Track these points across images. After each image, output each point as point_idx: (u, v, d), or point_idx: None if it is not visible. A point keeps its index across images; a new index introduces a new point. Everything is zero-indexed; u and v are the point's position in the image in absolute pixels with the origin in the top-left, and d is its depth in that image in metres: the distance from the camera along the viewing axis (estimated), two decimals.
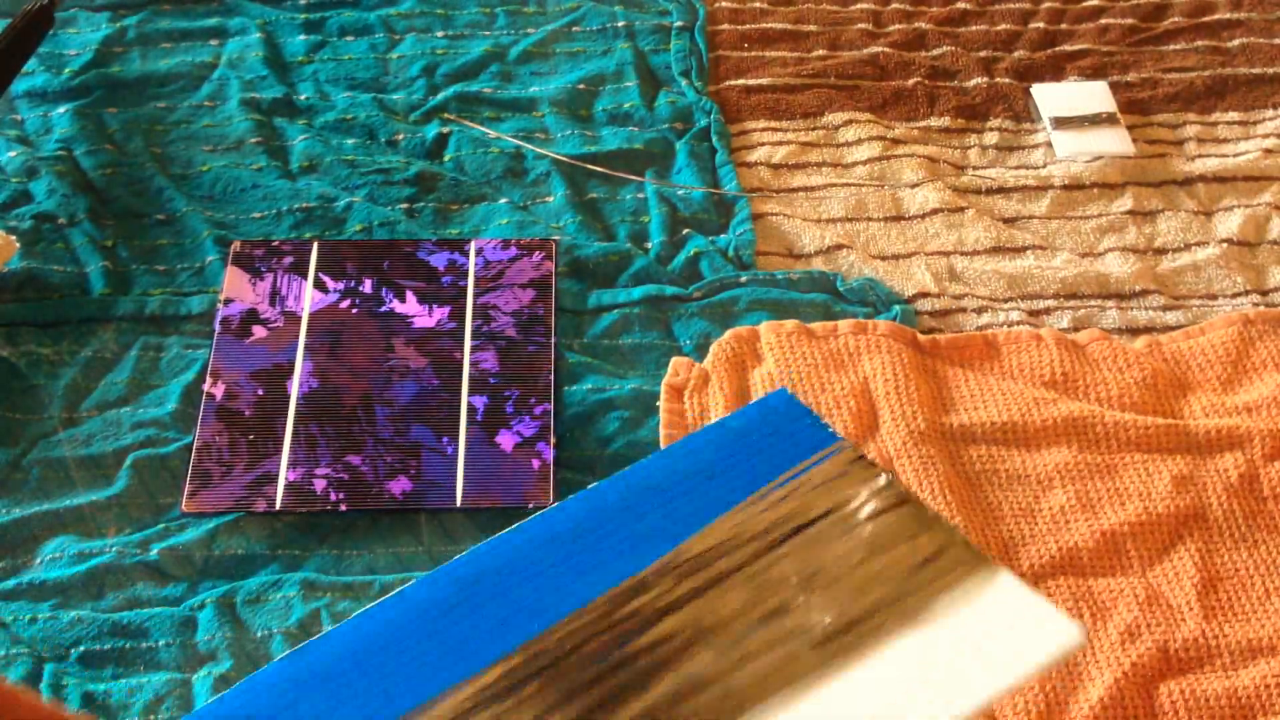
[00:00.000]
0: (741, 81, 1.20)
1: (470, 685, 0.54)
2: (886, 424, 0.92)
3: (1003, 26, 1.26)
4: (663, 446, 0.89)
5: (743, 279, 1.03)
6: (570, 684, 0.53)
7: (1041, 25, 1.25)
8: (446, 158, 1.13)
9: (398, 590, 0.58)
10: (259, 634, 0.83)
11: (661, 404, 0.94)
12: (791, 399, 0.64)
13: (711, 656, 0.53)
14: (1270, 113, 1.19)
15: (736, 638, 0.54)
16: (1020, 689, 0.70)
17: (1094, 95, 1.18)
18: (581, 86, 1.19)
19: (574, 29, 1.24)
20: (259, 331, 0.98)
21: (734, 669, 0.53)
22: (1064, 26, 1.26)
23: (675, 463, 0.62)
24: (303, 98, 1.17)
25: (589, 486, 0.62)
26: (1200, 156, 1.15)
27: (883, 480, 0.59)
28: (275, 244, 1.04)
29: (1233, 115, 1.18)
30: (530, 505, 0.89)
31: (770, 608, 0.55)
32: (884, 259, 1.06)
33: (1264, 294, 1.04)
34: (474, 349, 0.98)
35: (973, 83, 1.20)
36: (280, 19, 1.24)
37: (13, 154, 1.11)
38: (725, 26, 1.25)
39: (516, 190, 1.11)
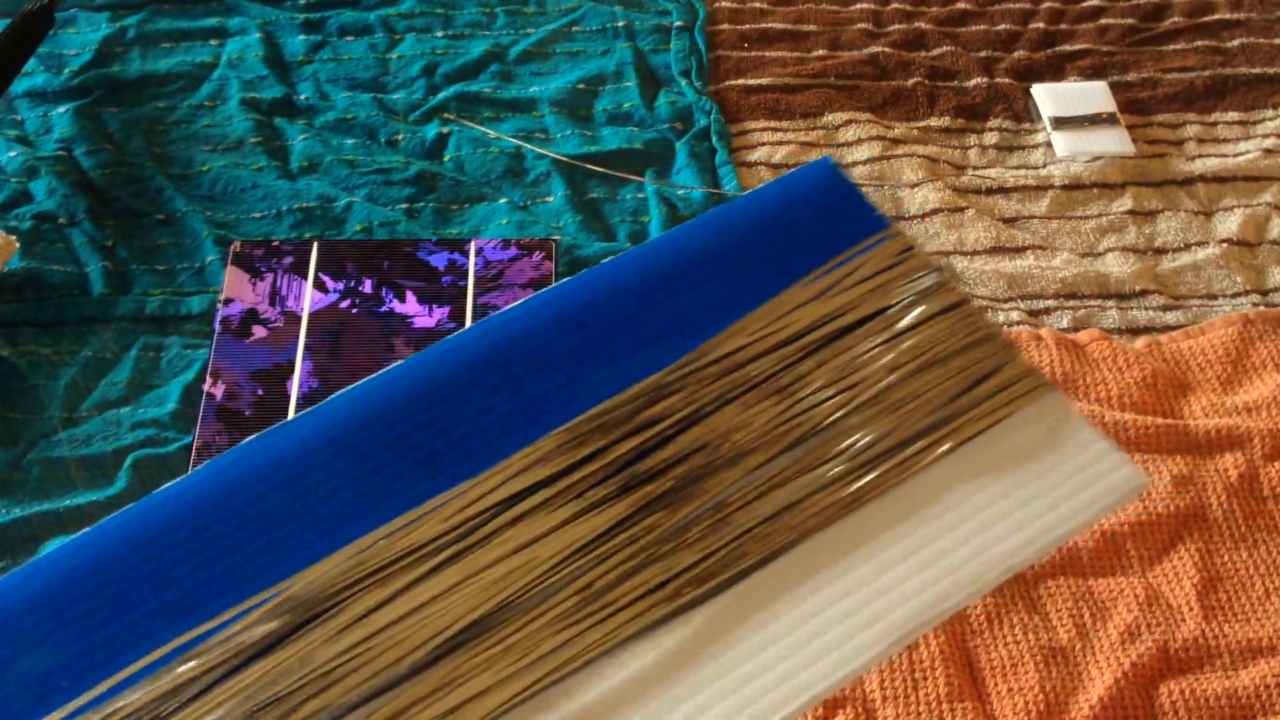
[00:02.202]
0: (741, 81, 1.20)
1: (457, 498, 0.46)
2: None
3: (1003, 26, 1.26)
4: None
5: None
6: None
7: (1041, 25, 1.25)
8: (446, 158, 1.13)
9: (397, 365, 0.51)
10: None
11: None
12: (835, 171, 0.55)
13: (737, 478, 0.46)
14: (1270, 113, 1.19)
15: (765, 458, 0.47)
16: (1073, 537, 0.62)
17: (1094, 95, 1.18)
18: (581, 86, 1.19)
19: (574, 29, 1.24)
20: (259, 331, 0.98)
21: (761, 496, 0.46)
22: (1064, 26, 1.26)
23: (700, 242, 0.52)
24: (303, 98, 1.17)
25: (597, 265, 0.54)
26: (1200, 156, 1.15)
27: (935, 278, 0.51)
28: (275, 244, 1.04)
29: (1233, 115, 1.18)
30: None
31: (804, 424, 0.48)
32: None
33: (1264, 294, 1.04)
34: None
35: (973, 83, 1.20)
36: (280, 19, 1.24)
37: (13, 154, 1.11)
38: (725, 26, 1.25)
39: (516, 190, 1.11)
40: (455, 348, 0.51)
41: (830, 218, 0.53)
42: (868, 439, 0.47)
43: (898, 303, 0.50)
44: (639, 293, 0.51)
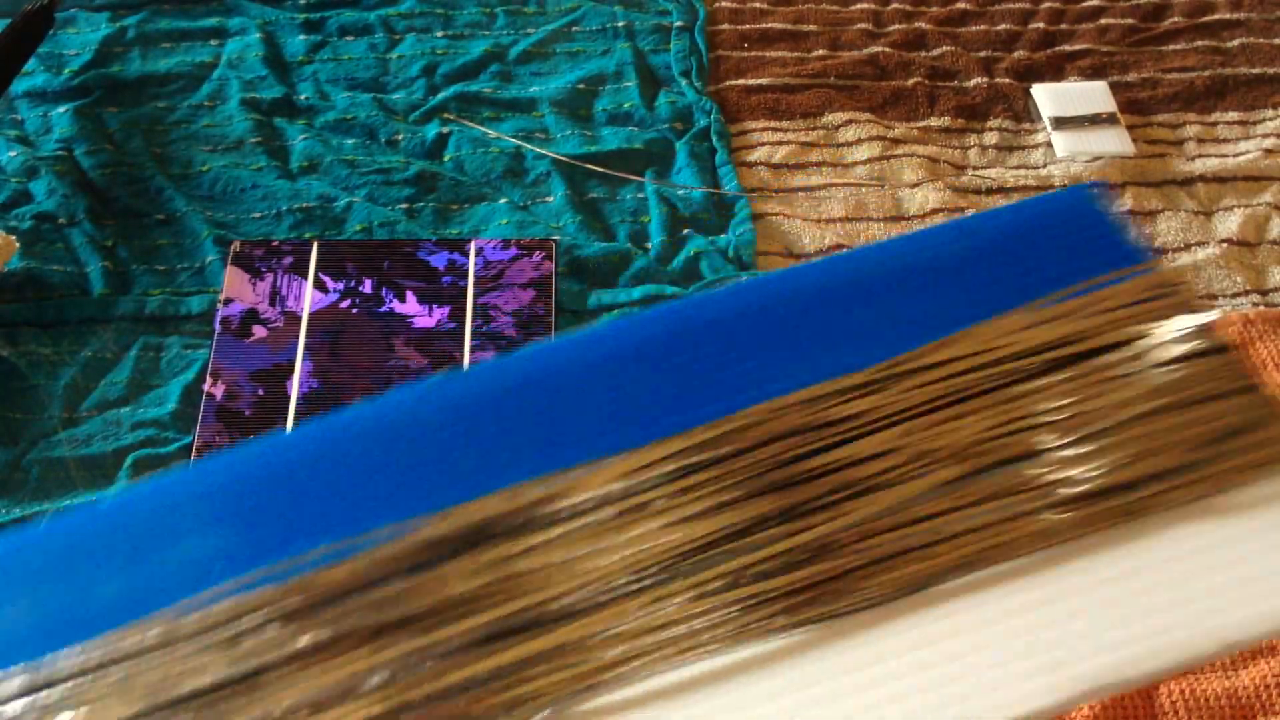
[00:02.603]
0: (741, 81, 1.20)
1: (617, 464, 0.43)
2: None
3: (1003, 26, 1.26)
4: None
5: (743, 279, 1.03)
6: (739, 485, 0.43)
7: (1041, 25, 1.25)
8: (446, 158, 1.13)
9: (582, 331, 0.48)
10: None
11: None
12: (1091, 196, 0.49)
13: (925, 491, 0.42)
14: (1270, 113, 1.19)
15: (963, 475, 0.43)
16: None
17: (1094, 95, 1.18)
18: (581, 86, 1.19)
19: (574, 29, 1.24)
20: (259, 331, 0.98)
21: (951, 513, 0.42)
22: (1064, 26, 1.26)
23: (925, 251, 0.48)
24: (303, 98, 1.17)
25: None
26: (1200, 156, 1.15)
27: (1199, 319, 0.45)
28: (275, 244, 1.04)
29: (1233, 115, 1.18)
30: None
31: (1015, 447, 0.43)
32: None
33: (1264, 294, 1.04)
34: (474, 349, 0.98)
35: (973, 83, 1.20)
36: (280, 19, 1.24)
37: (13, 154, 1.11)
38: (725, 26, 1.25)
39: (516, 190, 1.11)
40: (663, 316, 0.47)
41: (1081, 242, 0.48)
42: (1087, 473, 0.43)
43: (1147, 337, 0.45)
44: (861, 287, 0.46)
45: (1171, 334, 0.45)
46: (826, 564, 0.41)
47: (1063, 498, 0.41)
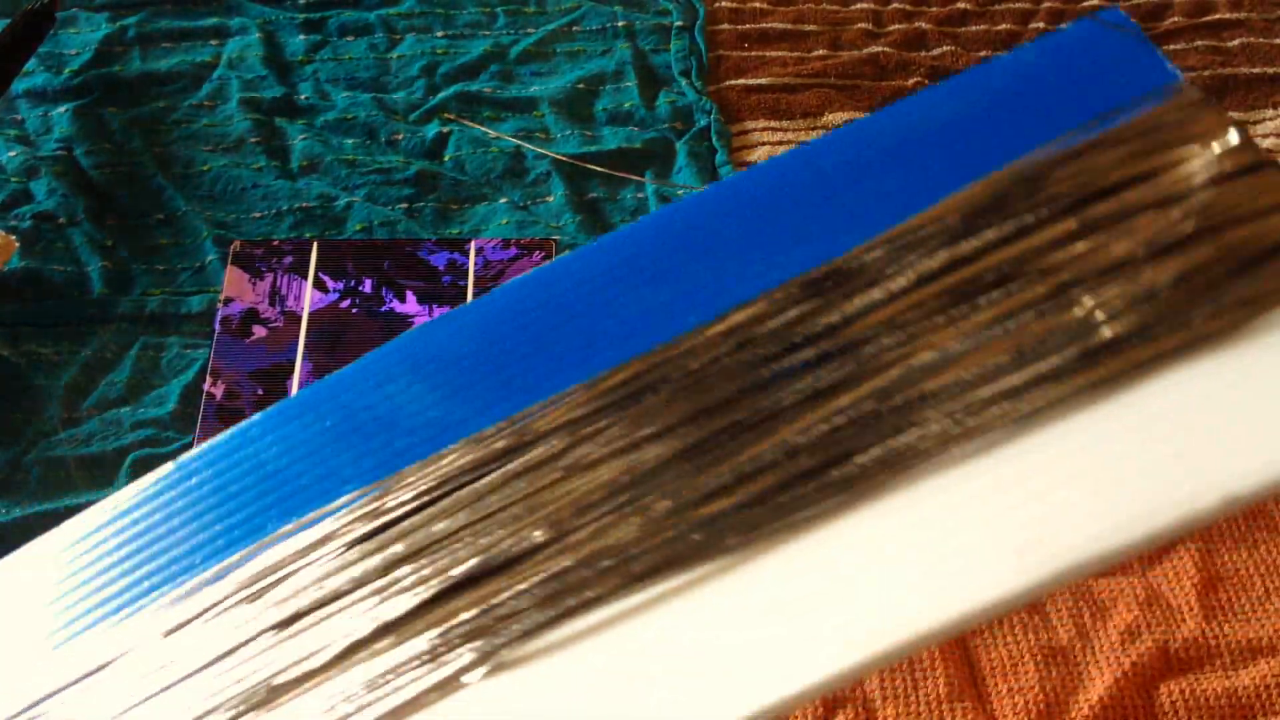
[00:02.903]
0: (741, 81, 1.20)
1: (584, 391, 0.41)
2: None
3: (1003, 26, 1.26)
4: None
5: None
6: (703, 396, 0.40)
7: (1041, 25, 1.25)
8: (446, 158, 1.13)
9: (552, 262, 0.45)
10: None
11: None
12: (1101, 26, 0.44)
13: (936, 360, 0.38)
14: (1270, 113, 1.19)
15: (976, 340, 0.38)
16: None
17: None
18: (581, 86, 1.19)
19: (574, 29, 1.24)
20: (259, 331, 0.98)
21: (965, 380, 0.37)
22: (1064, 27, 1.26)
23: (933, 106, 0.42)
24: (303, 98, 1.17)
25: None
26: None
27: (1234, 137, 0.39)
28: (275, 244, 1.04)
29: (1233, 115, 1.18)
30: None
31: (1032, 296, 0.38)
32: None
33: None
34: None
35: None
36: (280, 19, 1.24)
37: (13, 154, 1.11)
38: (725, 26, 1.25)
39: (516, 190, 1.11)
40: (669, 215, 0.45)
41: (1098, 65, 0.42)
42: (1103, 316, 0.37)
43: (1177, 162, 0.39)
44: (861, 159, 0.42)
45: (1204, 157, 0.39)
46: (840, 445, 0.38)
47: (1085, 347, 0.37)
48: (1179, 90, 0.41)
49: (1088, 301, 0.37)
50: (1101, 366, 0.36)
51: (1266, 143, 1.15)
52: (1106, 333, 0.36)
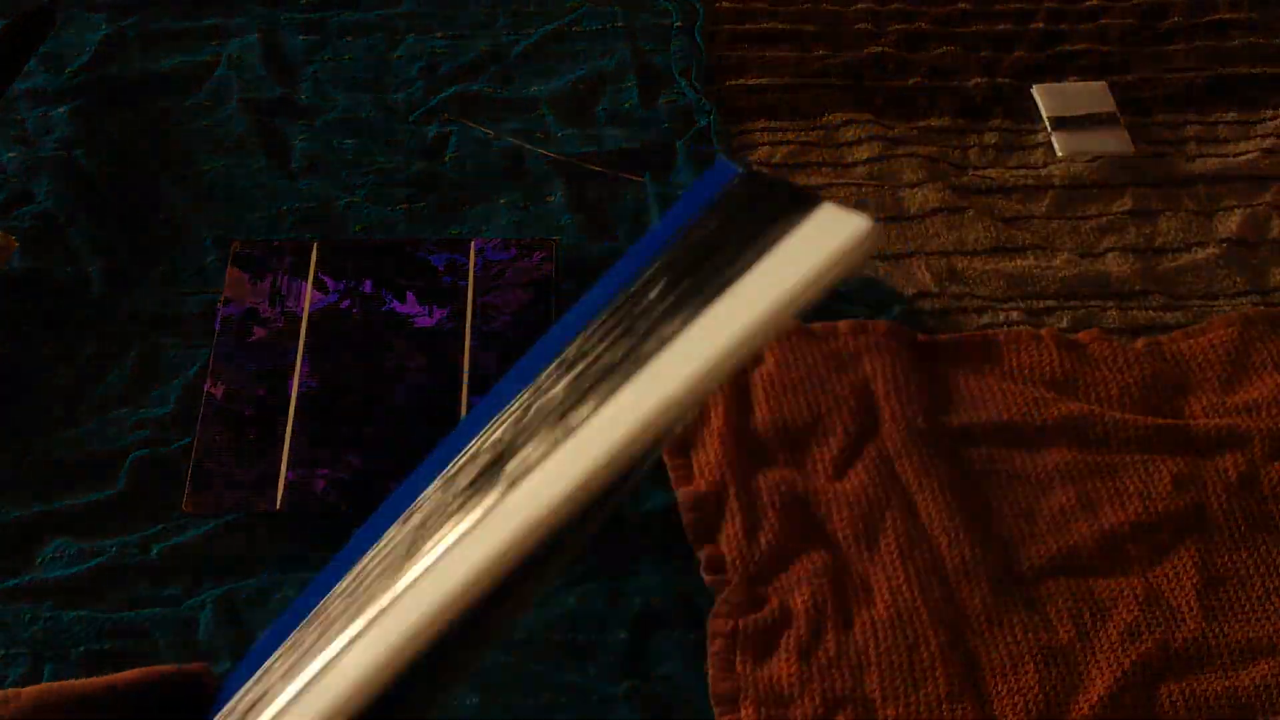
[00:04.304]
0: (741, 81, 1.20)
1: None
2: (886, 424, 0.92)
3: (1003, 26, 1.26)
4: None
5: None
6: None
7: (1041, 25, 1.25)
8: (446, 158, 1.13)
9: None
10: (259, 634, 0.83)
11: None
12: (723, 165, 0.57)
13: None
14: (1270, 113, 1.19)
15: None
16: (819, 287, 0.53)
17: (1094, 95, 1.18)
18: (581, 86, 1.19)
19: (574, 29, 1.24)
20: (259, 331, 0.98)
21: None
22: (1064, 26, 1.26)
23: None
24: (303, 98, 1.17)
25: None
26: (1200, 156, 1.15)
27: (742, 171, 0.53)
28: (275, 244, 1.04)
29: (1233, 115, 1.18)
30: None
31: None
32: (884, 259, 1.06)
33: (1264, 294, 1.04)
34: (474, 349, 0.97)
35: (973, 83, 1.20)
36: (280, 19, 1.24)
37: (13, 154, 1.11)
38: (725, 26, 1.25)
39: (516, 190, 1.11)
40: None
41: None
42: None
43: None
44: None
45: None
46: None
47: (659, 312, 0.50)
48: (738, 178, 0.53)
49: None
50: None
51: (1267, 143, 1.15)
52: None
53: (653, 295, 0.50)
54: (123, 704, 0.43)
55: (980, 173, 1.13)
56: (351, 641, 0.44)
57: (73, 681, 0.41)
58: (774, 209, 0.48)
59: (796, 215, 0.46)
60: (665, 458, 0.91)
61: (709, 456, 0.90)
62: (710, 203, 0.52)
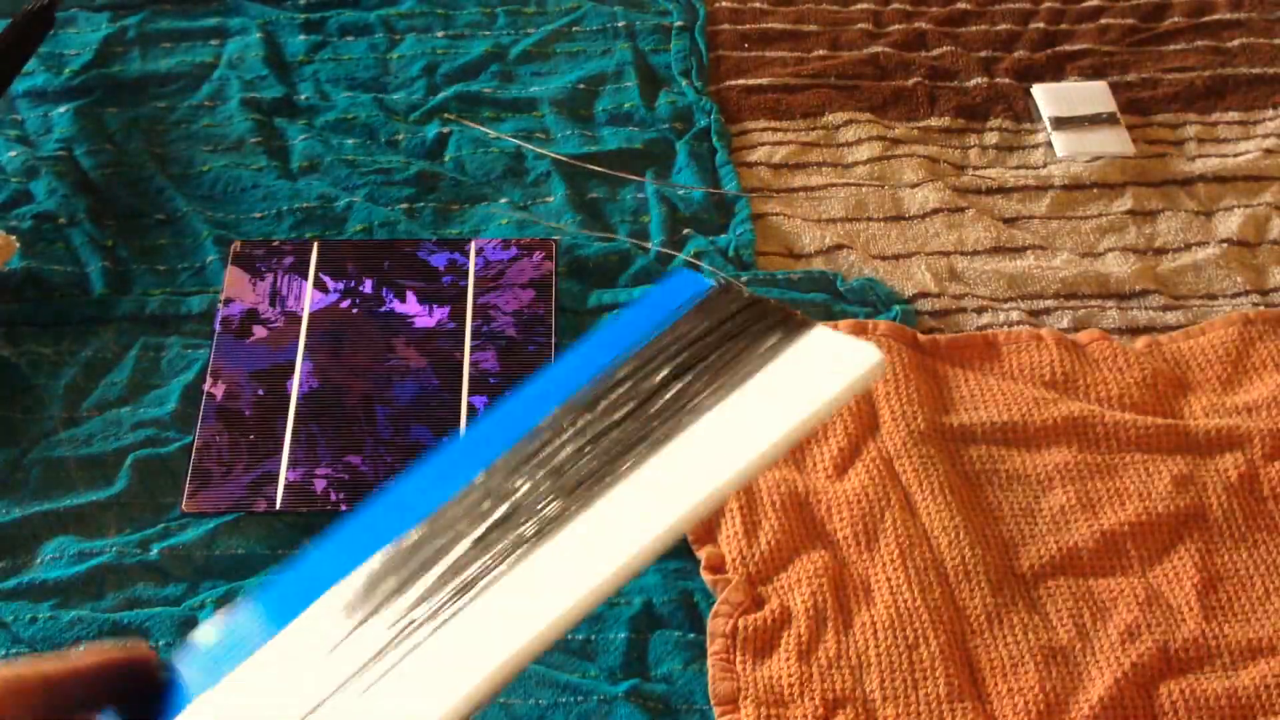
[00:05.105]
0: (741, 81, 1.20)
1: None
2: (886, 424, 0.92)
3: (1003, 26, 1.26)
4: None
5: (743, 279, 1.03)
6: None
7: (1041, 25, 1.25)
8: (446, 158, 1.13)
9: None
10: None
11: None
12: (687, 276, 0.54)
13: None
14: (1270, 113, 1.19)
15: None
16: (826, 418, 0.57)
17: (1094, 95, 1.18)
18: (581, 86, 1.19)
19: (574, 29, 1.24)
20: (259, 331, 0.98)
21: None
22: (1064, 26, 1.26)
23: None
24: (303, 98, 1.17)
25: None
26: (1200, 156, 1.15)
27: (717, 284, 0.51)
28: (275, 244, 1.04)
29: (1233, 115, 1.18)
30: None
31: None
32: (884, 259, 1.06)
33: (1264, 294, 1.04)
34: (474, 349, 0.98)
35: (973, 83, 1.20)
36: (280, 19, 1.24)
37: (13, 154, 1.11)
38: (725, 26, 1.25)
39: (516, 190, 1.11)
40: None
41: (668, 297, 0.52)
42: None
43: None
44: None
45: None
46: None
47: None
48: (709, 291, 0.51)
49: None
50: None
51: (1267, 143, 1.15)
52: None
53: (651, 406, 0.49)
54: (88, 687, 0.42)
55: (980, 173, 1.13)
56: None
57: (30, 666, 0.41)
58: (770, 326, 0.48)
59: (796, 336, 0.46)
60: None
61: None
62: (690, 308, 0.51)
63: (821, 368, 0.46)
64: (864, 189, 1.11)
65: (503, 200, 1.10)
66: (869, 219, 1.09)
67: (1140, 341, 0.99)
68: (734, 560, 0.86)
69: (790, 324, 0.48)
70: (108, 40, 1.21)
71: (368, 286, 1.01)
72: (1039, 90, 1.19)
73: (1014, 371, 0.97)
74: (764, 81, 1.20)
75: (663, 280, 0.57)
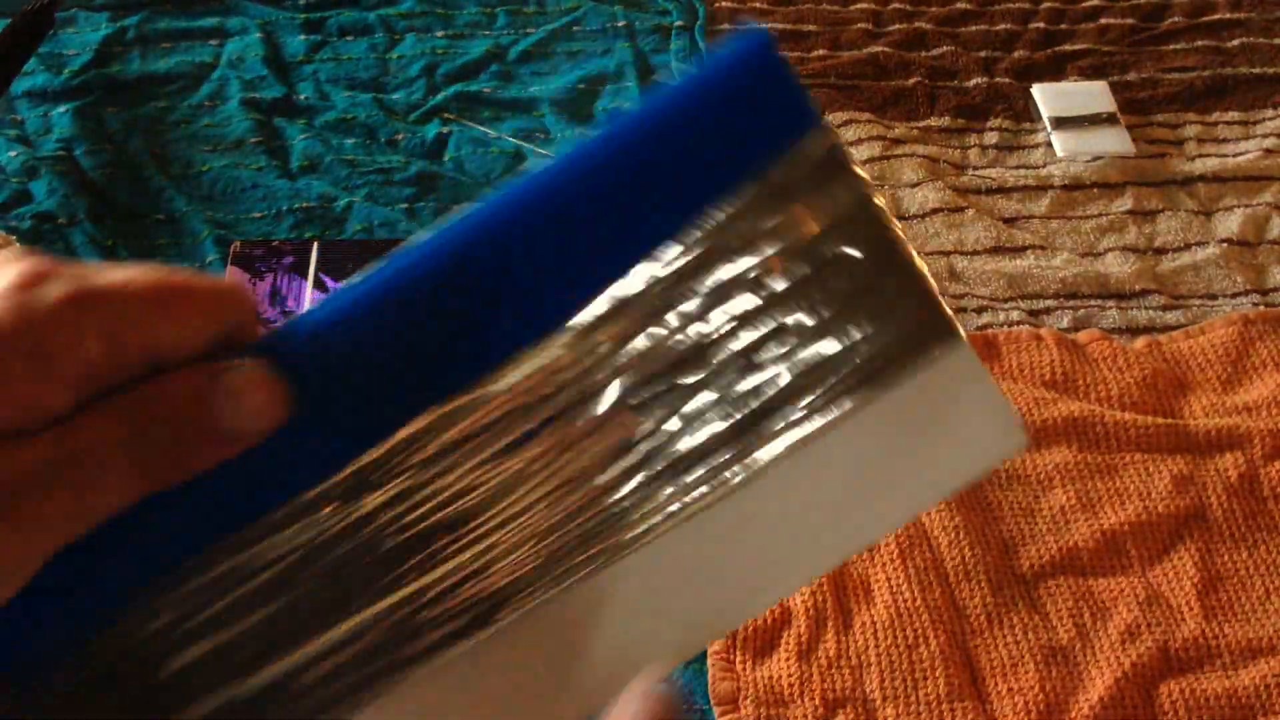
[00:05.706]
0: None
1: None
2: None
3: (1003, 26, 1.26)
4: None
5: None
6: None
7: (1041, 25, 1.25)
8: (446, 158, 1.13)
9: None
10: None
11: None
12: (765, 51, 0.34)
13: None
14: (1270, 113, 1.19)
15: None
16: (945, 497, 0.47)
17: (1094, 95, 1.18)
18: (581, 86, 1.19)
19: (574, 29, 1.24)
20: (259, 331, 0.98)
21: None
22: (1064, 26, 1.26)
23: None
24: (303, 98, 1.18)
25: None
26: (1200, 156, 1.15)
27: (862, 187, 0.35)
28: (275, 244, 1.04)
29: (1233, 115, 1.18)
30: None
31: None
32: None
33: (1264, 294, 1.04)
34: None
35: (973, 83, 1.20)
36: (280, 19, 1.24)
37: (13, 154, 1.11)
38: (725, 26, 1.25)
39: None
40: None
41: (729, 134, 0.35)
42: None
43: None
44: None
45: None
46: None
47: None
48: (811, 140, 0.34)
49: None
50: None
51: (1267, 143, 1.15)
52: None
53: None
54: None
55: (980, 173, 1.13)
56: None
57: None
58: (902, 300, 0.33)
59: (935, 347, 0.33)
60: None
61: None
62: (776, 164, 0.34)
63: (961, 424, 0.33)
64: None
65: None
66: None
67: (1140, 341, 0.99)
68: None
69: (936, 320, 0.33)
70: (107, 40, 1.21)
71: None
72: (1039, 90, 1.19)
73: (1014, 371, 0.97)
74: None
75: (715, 61, 0.35)
